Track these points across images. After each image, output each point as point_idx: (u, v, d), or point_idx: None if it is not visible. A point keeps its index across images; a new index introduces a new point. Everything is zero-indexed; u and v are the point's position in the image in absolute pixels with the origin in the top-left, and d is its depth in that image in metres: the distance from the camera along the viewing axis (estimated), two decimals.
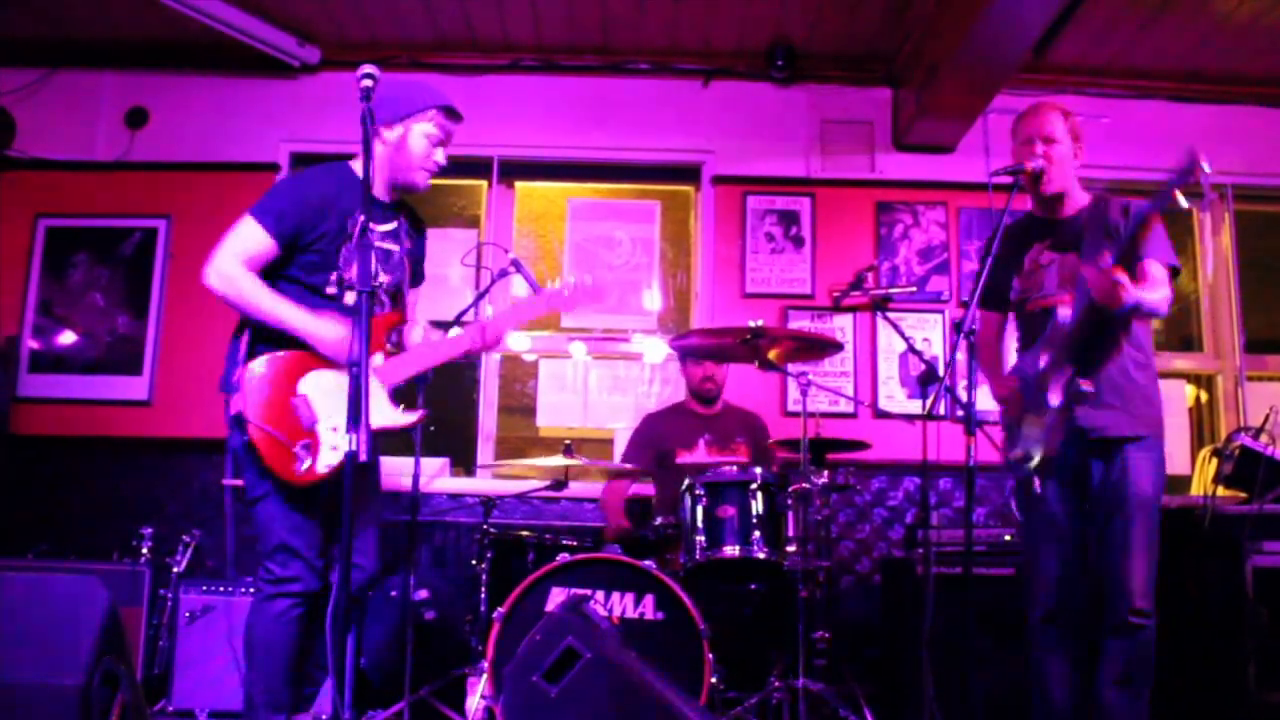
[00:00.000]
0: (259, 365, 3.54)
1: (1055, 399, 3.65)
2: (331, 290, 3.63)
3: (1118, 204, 3.81)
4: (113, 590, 3.67)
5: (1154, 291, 3.63)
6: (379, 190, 3.74)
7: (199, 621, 5.09)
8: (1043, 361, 3.72)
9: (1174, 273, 3.77)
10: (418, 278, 3.98)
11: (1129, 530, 3.63)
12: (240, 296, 3.55)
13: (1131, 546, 3.62)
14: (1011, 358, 4.14)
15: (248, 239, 3.57)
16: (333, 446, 3.51)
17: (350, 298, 3.53)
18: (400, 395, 3.77)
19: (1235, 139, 6.50)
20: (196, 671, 5.05)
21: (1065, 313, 3.67)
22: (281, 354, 3.57)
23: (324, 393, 3.57)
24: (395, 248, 3.77)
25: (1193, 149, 3.20)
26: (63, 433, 6.15)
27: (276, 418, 3.51)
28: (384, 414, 3.60)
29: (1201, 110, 6.53)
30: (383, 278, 3.70)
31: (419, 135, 3.67)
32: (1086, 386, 3.58)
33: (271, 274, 3.62)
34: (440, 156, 3.73)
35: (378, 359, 3.62)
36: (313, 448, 3.51)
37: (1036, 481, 3.82)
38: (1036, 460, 3.73)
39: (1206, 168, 3.18)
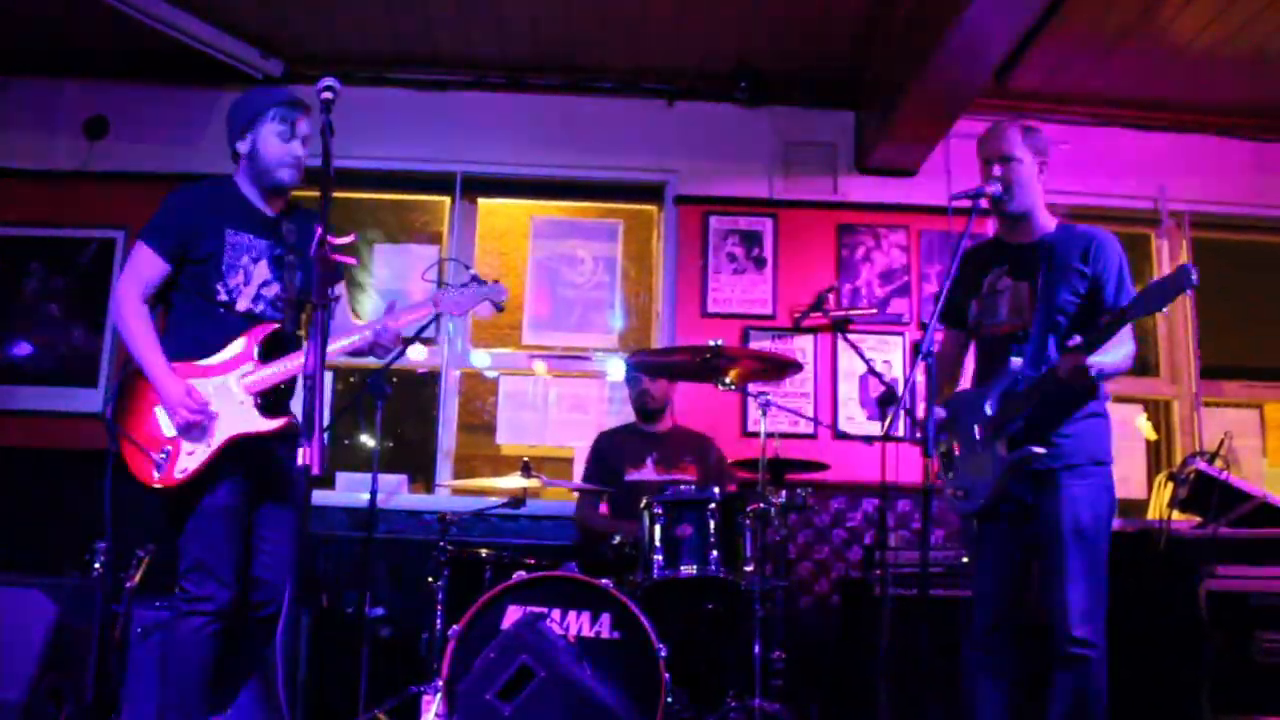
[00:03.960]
0: (136, 373, 3.70)
1: (1003, 451, 3.63)
2: (223, 298, 3.75)
3: (1079, 241, 3.78)
4: (63, 605, 3.64)
5: (1117, 352, 3.59)
6: (258, 203, 3.88)
7: (151, 638, 5.02)
8: (990, 408, 3.70)
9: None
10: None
11: (1066, 560, 3.58)
12: (125, 328, 3.71)
13: (1068, 576, 3.56)
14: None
15: (143, 265, 3.75)
16: (189, 452, 3.60)
17: (243, 304, 3.77)
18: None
19: (1194, 167, 6.59)
20: (148, 688, 4.96)
21: (1018, 362, 3.67)
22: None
23: None
24: (290, 256, 3.86)
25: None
26: (15, 444, 6.07)
27: (139, 425, 3.65)
28: (244, 420, 3.66)
29: (1161, 138, 6.61)
30: (271, 289, 3.83)
31: (267, 136, 3.78)
32: (1038, 450, 3.58)
33: (171, 285, 3.79)
34: (298, 148, 3.79)
35: (247, 367, 3.70)
36: (171, 456, 3.61)
37: (974, 523, 3.82)
38: (979, 504, 3.72)
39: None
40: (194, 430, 3.59)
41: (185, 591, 3.63)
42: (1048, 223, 3.90)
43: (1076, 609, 3.54)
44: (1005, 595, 3.78)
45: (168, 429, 3.64)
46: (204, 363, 3.69)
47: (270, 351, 3.73)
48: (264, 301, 3.81)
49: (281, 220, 3.89)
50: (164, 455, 3.62)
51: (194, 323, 3.76)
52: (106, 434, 3.68)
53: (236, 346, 3.71)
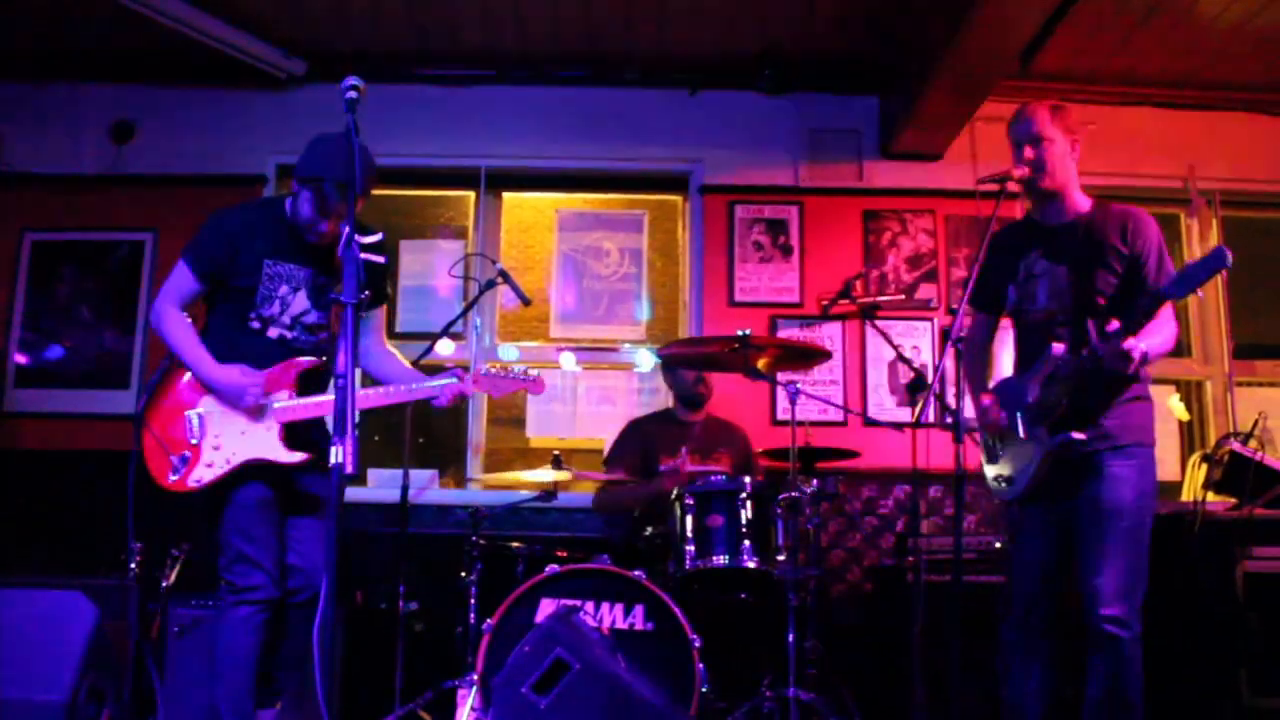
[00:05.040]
0: (173, 374, 3.79)
1: (1045, 437, 3.61)
2: (255, 325, 3.80)
3: (1116, 221, 3.72)
4: (100, 605, 3.66)
5: (1161, 334, 3.53)
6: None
7: (188, 636, 5.05)
8: (1032, 395, 3.66)
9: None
10: (377, 298, 4.01)
11: (1105, 540, 3.54)
12: (166, 335, 3.78)
13: (1107, 556, 3.52)
14: (1007, 362, 4.07)
15: (179, 280, 3.82)
16: (208, 464, 3.67)
17: (274, 333, 3.81)
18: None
19: (1223, 145, 6.53)
20: (185, 687, 5.00)
21: (1059, 348, 3.61)
22: None
23: (223, 413, 3.73)
24: (325, 280, 3.87)
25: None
26: (49, 447, 6.12)
27: (165, 425, 3.74)
28: (266, 446, 3.69)
29: (1189, 116, 6.55)
30: (310, 317, 3.86)
31: (304, 200, 3.73)
32: (1079, 436, 3.55)
33: (211, 305, 3.89)
34: (325, 226, 3.72)
35: (282, 395, 3.73)
36: (190, 461, 3.67)
37: (1016, 509, 3.79)
38: (1021, 491, 3.70)
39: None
40: (255, 409, 3.66)
41: (231, 584, 3.69)
42: (1082, 202, 3.84)
43: (1112, 589, 3.50)
44: (1045, 577, 3.75)
45: (192, 434, 3.70)
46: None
47: (308, 386, 3.79)
48: (299, 328, 3.85)
49: (333, 247, 3.77)
50: (183, 459, 3.67)
51: (226, 341, 3.79)
52: (134, 431, 3.76)
53: (277, 372, 3.74)
